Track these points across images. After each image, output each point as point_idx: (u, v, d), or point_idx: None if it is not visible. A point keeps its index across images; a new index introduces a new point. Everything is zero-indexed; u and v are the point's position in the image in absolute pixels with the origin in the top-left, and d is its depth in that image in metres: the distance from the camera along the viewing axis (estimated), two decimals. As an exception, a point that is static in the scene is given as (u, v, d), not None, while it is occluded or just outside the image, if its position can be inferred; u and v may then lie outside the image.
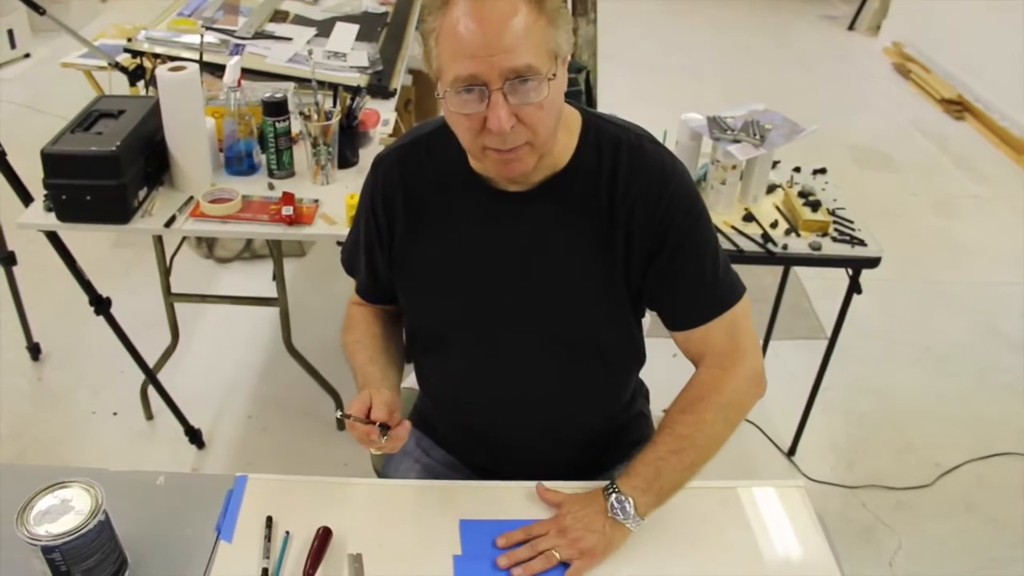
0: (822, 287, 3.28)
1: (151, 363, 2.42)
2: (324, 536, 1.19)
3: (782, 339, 2.96)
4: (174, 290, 2.35)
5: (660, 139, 1.28)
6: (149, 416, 2.60)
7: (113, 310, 2.24)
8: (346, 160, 2.19)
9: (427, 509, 1.27)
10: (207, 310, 3.00)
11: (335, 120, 2.06)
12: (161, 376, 2.46)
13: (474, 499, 1.29)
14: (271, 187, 2.10)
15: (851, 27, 6.25)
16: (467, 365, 1.36)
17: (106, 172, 1.88)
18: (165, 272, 2.28)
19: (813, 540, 1.26)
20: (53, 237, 2.07)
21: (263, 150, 2.14)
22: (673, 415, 1.23)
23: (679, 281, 1.25)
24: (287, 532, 1.21)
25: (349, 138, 2.17)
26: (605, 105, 3.77)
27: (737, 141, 2.08)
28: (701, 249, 1.25)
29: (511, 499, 1.28)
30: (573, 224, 1.23)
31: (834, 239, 2.12)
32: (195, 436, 2.48)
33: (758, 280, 3.12)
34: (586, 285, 1.25)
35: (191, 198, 2.03)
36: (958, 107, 4.96)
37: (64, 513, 1.09)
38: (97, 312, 2.19)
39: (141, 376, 2.44)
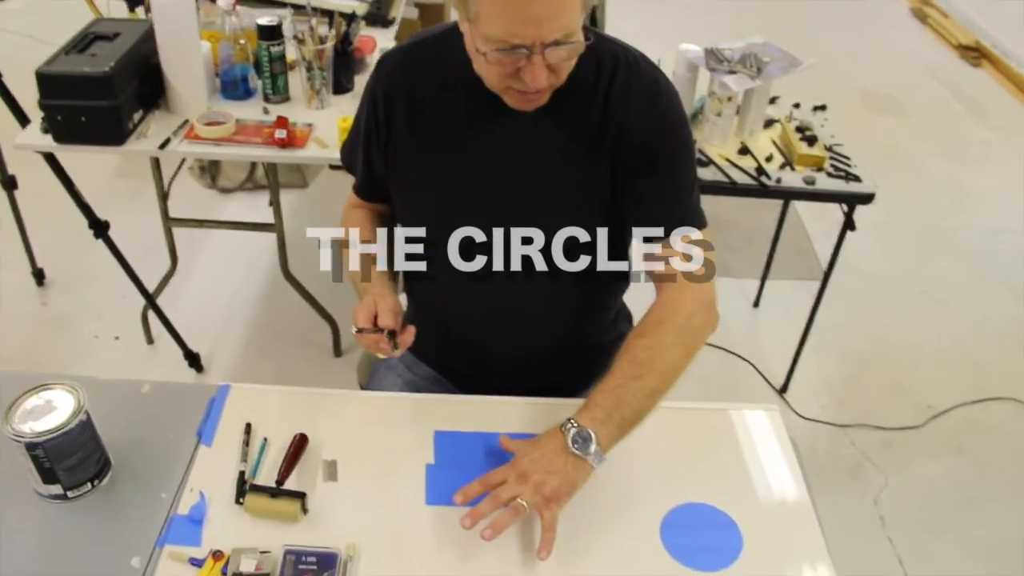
0: (824, 229, 3.26)
1: (152, 289, 2.45)
2: (300, 442, 1.22)
3: (781, 279, 2.96)
4: (180, 218, 2.37)
5: None
6: (150, 340, 2.65)
7: (116, 237, 2.26)
8: (341, 86, 2.19)
9: (404, 420, 1.30)
10: (209, 239, 3.03)
11: (329, 44, 2.05)
12: (162, 301, 2.50)
13: (450, 412, 1.32)
14: (266, 111, 2.11)
15: (871, -30, 6.12)
16: (454, 269, 1.37)
17: (100, 93, 1.89)
18: (163, 196, 2.30)
19: (783, 460, 1.28)
20: (51, 159, 2.09)
21: (259, 75, 2.14)
22: (631, 341, 1.22)
23: (658, 194, 1.26)
24: (265, 438, 1.24)
25: (345, 64, 2.17)
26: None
27: (733, 72, 2.06)
28: (683, 169, 1.28)
29: (486, 412, 1.31)
30: (566, 135, 1.25)
31: (829, 174, 2.11)
32: (194, 360, 2.52)
33: (759, 220, 3.13)
34: (575, 194, 1.27)
35: (186, 121, 2.04)
36: (975, 53, 4.87)
37: (48, 413, 1.12)
38: (96, 235, 2.21)
39: (143, 301, 2.47)
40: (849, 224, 2.16)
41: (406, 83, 1.29)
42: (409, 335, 1.24)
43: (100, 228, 2.21)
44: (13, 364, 2.54)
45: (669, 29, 4.82)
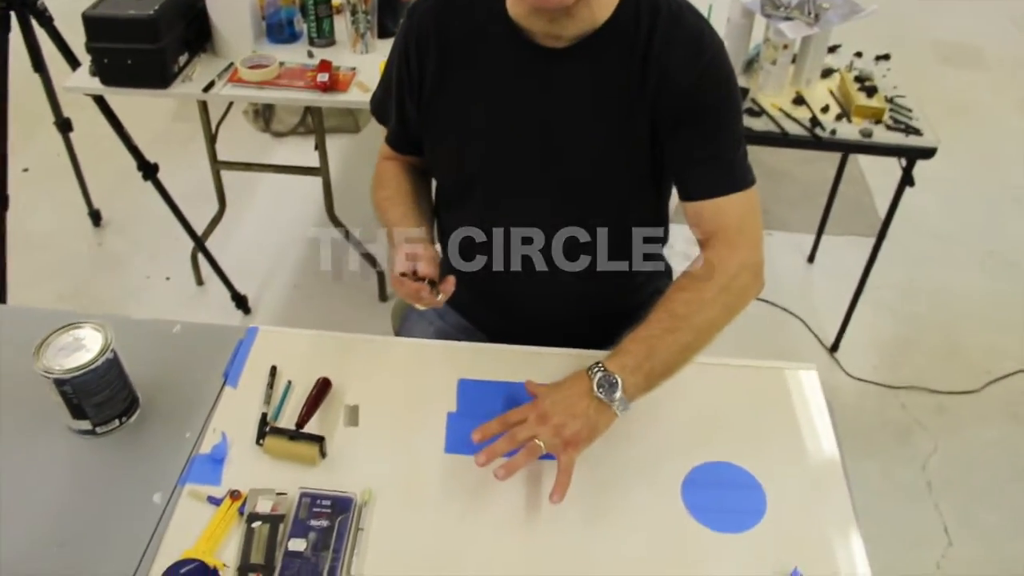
0: (886, 184, 3.12)
1: (202, 231, 2.48)
2: (323, 386, 1.22)
3: (838, 234, 2.87)
4: (228, 161, 2.40)
5: (705, 12, 1.23)
6: (199, 282, 2.69)
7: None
8: (386, 29, 2.16)
9: (428, 367, 1.29)
10: (260, 183, 3.05)
11: (374, -13, 2.03)
12: (213, 244, 2.53)
13: (477, 361, 1.30)
14: (310, 55, 2.10)
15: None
16: (484, 222, 1.35)
17: (145, 36, 1.90)
18: (211, 139, 2.31)
19: (816, 421, 1.24)
20: (101, 102, 2.11)
21: (304, 18, 2.13)
22: (671, 294, 1.18)
23: (703, 151, 1.21)
24: (289, 381, 1.25)
25: (390, 7, 2.14)
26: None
27: (790, 19, 1.97)
28: (729, 125, 1.22)
29: (514, 362, 1.29)
30: (603, 86, 1.20)
31: (888, 127, 2.02)
32: (241, 302, 2.56)
33: (818, 173, 3.04)
34: (609, 148, 1.23)
35: (231, 64, 2.04)
36: (1064, 1, 4.61)
37: (77, 351, 1.14)
38: (145, 177, 2.24)
39: (193, 243, 2.51)
40: (908, 179, 2.07)
41: (438, 30, 1.25)
42: (450, 284, 1.21)
43: (149, 170, 2.24)
44: (68, 303, 2.62)
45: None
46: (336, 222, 2.46)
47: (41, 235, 2.87)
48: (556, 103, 1.22)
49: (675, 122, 1.19)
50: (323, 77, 1.94)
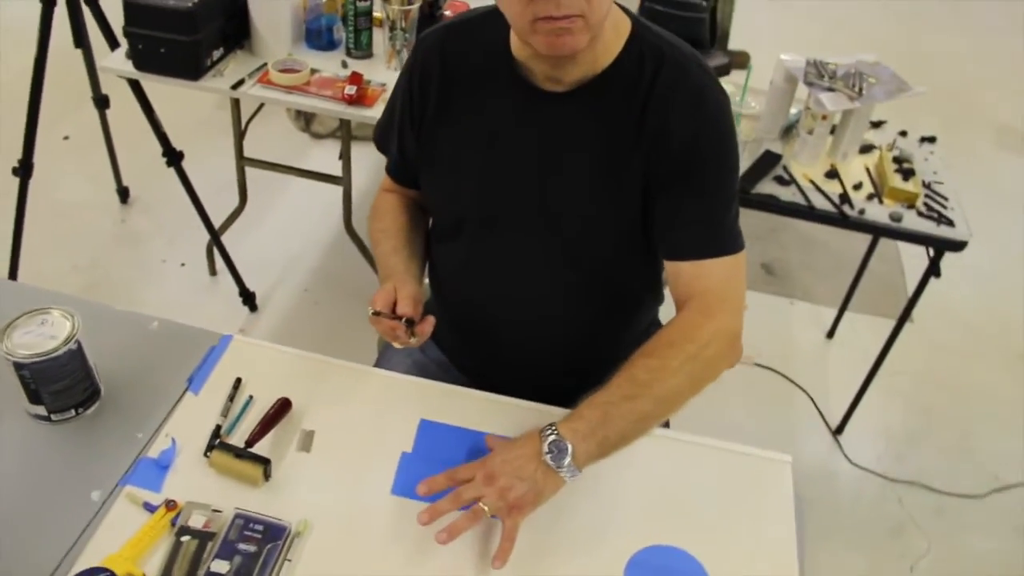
0: (922, 267, 3.05)
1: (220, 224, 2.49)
2: (281, 407, 1.20)
3: (862, 312, 2.79)
4: (258, 157, 2.40)
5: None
6: (213, 272, 2.70)
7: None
8: (424, 50, 2.15)
9: (394, 402, 1.26)
10: (289, 183, 3.05)
11: (416, 6, 2.02)
12: (230, 239, 2.54)
13: (444, 402, 1.27)
14: (344, 65, 2.10)
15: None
16: (474, 259, 1.33)
17: (182, 27, 1.91)
18: (239, 134, 2.32)
19: (782, 516, 1.18)
20: (135, 85, 2.13)
21: (344, 28, 2.13)
22: (636, 359, 1.13)
23: (691, 210, 1.17)
24: (251, 396, 1.23)
25: (430, 27, 2.13)
26: (739, 45, 3.56)
27: (832, 90, 1.93)
28: (723, 185, 1.18)
29: (480, 408, 1.26)
30: (601, 133, 1.17)
31: (919, 213, 1.96)
32: (248, 298, 2.56)
33: (853, 247, 2.96)
34: (601, 196, 1.20)
35: (264, 64, 2.05)
36: None
37: (41, 336, 1.14)
38: (169, 164, 2.25)
39: (210, 233, 2.52)
40: (933, 270, 2.00)
41: (443, 64, 1.23)
42: (428, 326, 1.19)
43: (173, 157, 2.25)
44: (82, 275, 2.64)
45: (802, 38, 4.61)
46: (352, 233, 2.45)
47: (68, 204, 2.91)
48: (552, 147, 1.19)
49: (668, 175, 1.16)
50: (351, 90, 1.94)
